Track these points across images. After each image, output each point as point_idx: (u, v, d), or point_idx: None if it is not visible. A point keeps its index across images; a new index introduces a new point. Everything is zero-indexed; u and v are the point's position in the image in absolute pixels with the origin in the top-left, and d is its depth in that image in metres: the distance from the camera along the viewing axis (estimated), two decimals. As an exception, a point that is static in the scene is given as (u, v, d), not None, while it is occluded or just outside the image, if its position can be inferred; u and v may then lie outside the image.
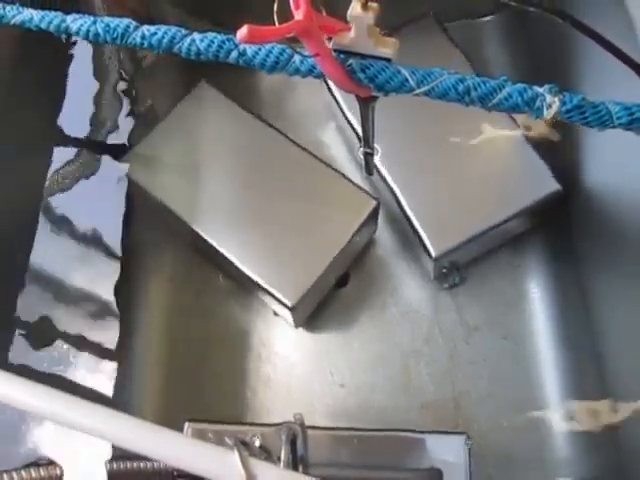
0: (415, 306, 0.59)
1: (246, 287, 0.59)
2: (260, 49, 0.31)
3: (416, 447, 0.42)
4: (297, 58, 0.30)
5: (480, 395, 0.55)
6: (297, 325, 0.58)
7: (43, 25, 0.34)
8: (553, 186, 0.55)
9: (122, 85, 0.62)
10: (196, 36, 0.32)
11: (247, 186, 0.57)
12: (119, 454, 0.36)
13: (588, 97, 0.50)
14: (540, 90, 0.28)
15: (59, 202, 0.56)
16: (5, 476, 0.31)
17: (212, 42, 0.31)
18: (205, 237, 0.55)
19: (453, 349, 0.57)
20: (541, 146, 0.56)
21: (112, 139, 0.60)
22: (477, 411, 0.55)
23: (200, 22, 0.68)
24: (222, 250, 0.55)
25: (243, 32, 0.25)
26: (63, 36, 0.35)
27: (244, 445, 0.26)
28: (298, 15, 0.27)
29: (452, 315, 0.58)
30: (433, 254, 0.54)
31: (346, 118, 0.59)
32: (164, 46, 0.32)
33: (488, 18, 0.67)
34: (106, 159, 0.59)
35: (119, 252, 0.59)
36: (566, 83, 0.54)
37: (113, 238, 0.59)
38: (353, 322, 0.59)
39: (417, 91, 0.29)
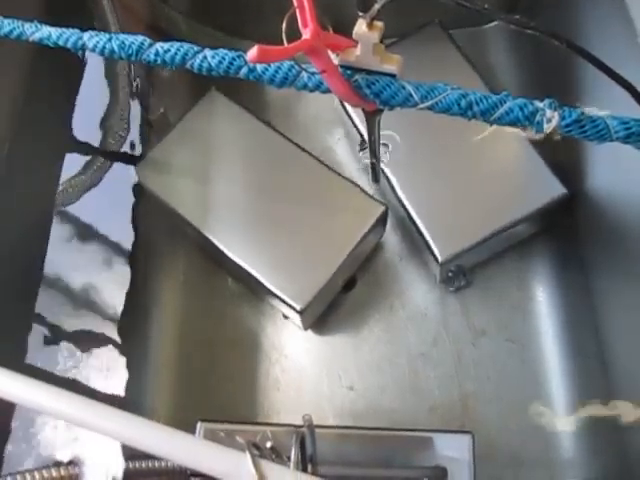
0: (422, 309, 0.60)
1: (255, 291, 0.60)
2: (269, 65, 0.32)
3: (422, 446, 0.43)
4: (305, 74, 0.31)
5: (487, 397, 0.56)
6: (306, 328, 0.59)
7: (61, 42, 0.36)
8: (559, 190, 0.55)
9: (134, 93, 0.63)
10: (207, 53, 0.33)
11: (256, 192, 0.58)
12: (131, 453, 0.38)
13: (595, 101, 0.50)
14: (540, 105, 0.29)
15: (72, 209, 0.57)
16: (27, 475, 0.33)
17: (223, 59, 0.32)
18: (215, 242, 0.56)
19: (460, 351, 0.58)
20: (547, 150, 0.57)
21: (124, 147, 0.61)
22: (484, 413, 0.56)
23: (208, 29, 0.69)
24: (232, 255, 0.56)
25: (253, 53, 0.26)
26: (80, 52, 0.36)
27: (255, 447, 0.27)
28: (306, 34, 0.28)
29: (459, 318, 0.59)
30: (439, 258, 0.55)
31: (354, 124, 0.60)
32: (177, 62, 0.34)
33: (493, 24, 0.68)
34: (118, 166, 0.61)
35: (131, 257, 0.60)
36: (571, 88, 0.54)
37: (125, 243, 0.60)
38: (361, 325, 0.60)
39: (421, 106, 0.30)
